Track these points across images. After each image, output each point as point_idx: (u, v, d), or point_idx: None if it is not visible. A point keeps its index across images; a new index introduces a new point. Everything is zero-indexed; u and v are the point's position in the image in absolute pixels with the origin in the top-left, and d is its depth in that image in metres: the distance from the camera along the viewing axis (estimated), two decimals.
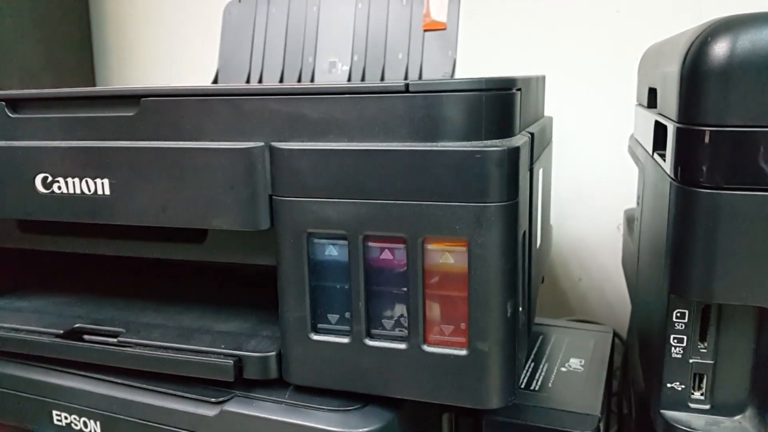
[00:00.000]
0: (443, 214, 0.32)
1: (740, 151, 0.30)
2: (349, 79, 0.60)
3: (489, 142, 0.32)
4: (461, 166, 0.31)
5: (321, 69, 0.62)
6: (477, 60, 0.70)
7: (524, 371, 0.45)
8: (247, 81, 0.63)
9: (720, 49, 0.30)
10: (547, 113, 0.57)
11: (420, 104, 0.32)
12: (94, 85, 0.89)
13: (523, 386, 0.43)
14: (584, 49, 0.68)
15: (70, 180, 0.37)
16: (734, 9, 0.63)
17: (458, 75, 0.58)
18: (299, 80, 0.62)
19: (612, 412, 0.62)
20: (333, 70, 0.62)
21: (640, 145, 0.48)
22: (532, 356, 0.47)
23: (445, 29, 0.58)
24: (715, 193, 0.31)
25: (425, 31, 0.59)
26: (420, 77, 0.58)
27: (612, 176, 0.69)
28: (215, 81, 0.65)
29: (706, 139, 0.31)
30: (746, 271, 0.31)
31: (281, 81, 0.62)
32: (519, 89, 0.35)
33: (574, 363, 0.46)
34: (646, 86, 0.47)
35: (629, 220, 0.59)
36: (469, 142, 0.32)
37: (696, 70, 0.31)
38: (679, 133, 0.32)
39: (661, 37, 0.47)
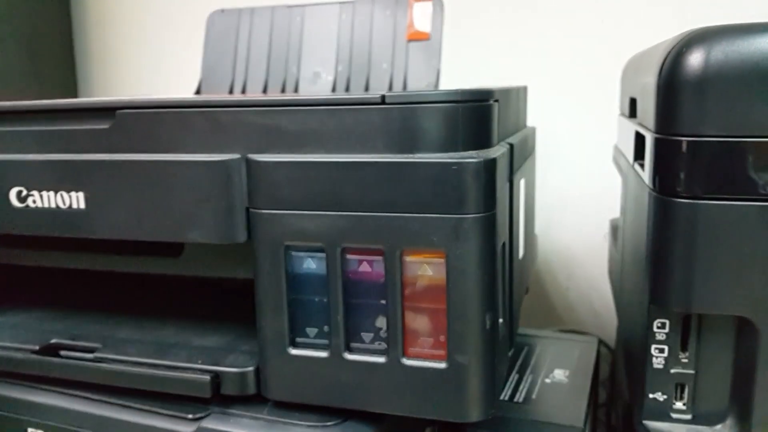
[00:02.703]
0: (421, 225, 0.32)
1: (716, 161, 0.30)
2: (333, 89, 0.60)
3: (466, 154, 0.32)
4: (438, 177, 0.31)
5: (305, 79, 0.62)
6: (461, 70, 0.70)
7: (509, 383, 0.44)
8: (230, 91, 0.63)
9: (694, 60, 0.30)
10: (532, 123, 0.57)
11: (396, 116, 0.32)
12: (76, 93, 0.89)
13: (507, 398, 0.42)
14: (569, 59, 0.68)
15: (45, 194, 0.37)
16: (716, 18, 0.64)
17: (442, 85, 0.58)
18: (283, 90, 0.62)
19: (600, 421, 0.62)
20: (317, 80, 0.62)
21: (623, 154, 0.48)
22: (516, 367, 0.47)
23: (428, 39, 0.59)
24: (693, 203, 0.31)
25: (409, 41, 0.59)
26: (404, 87, 0.58)
27: (598, 185, 0.69)
28: (198, 90, 0.64)
29: (683, 150, 0.31)
30: (725, 281, 0.31)
31: (265, 91, 0.62)
32: (496, 100, 0.35)
33: (559, 374, 0.46)
34: (628, 96, 0.47)
35: (614, 229, 0.59)
36: (446, 154, 0.32)
37: (671, 82, 0.31)
38: (657, 144, 0.32)
39: (645, 47, 0.47)
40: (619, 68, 0.54)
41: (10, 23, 0.77)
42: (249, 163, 0.34)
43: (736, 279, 0.31)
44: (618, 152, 0.53)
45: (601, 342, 0.53)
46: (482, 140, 0.33)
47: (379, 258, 0.33)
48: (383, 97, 0.32)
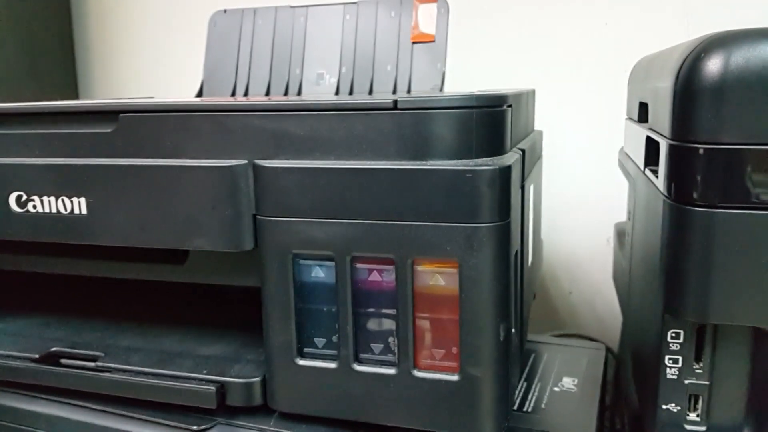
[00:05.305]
0: (433, 235, 0.31)
1: (735, 169, 0.30)
2: (337, 92, 0.60)
3: (480, 161, 0.31)
4: (451, 185, 0.30)
5: (308, 81, 0.61)
6: (466, 73, 0.69)
7: (517, 391, 0.44)
8: (233, 92, 0.62)
9: (714, 65, 0.30)
10: (536, 126, 0.57)
11: (409, 121, 0.31)
12: (76, 94, 0.88)
13: (516, 407, 0.42)
14: (573, 61, 0.68)
15: (45, 199, 0.36)
16: (721, 20, 0.63)
17: (447, 88, 0.57)
18: (286, 92, 0.61)
19: (605, 427, 0.62)
20: (321, 82, 0.61)
21: (631, 159, 0.48)
22: (524, 375, 0.46)
23: (433, 41, 0.58)
24: (710, 212, 0.30)
25: (414, 43, 0.58)
26: (409, 89, 0.57)
27: (601, 189, 0.68)
28: (200, 92, 0.63)
29: (700, 157, 0.30)
30: (741, 291, 0.30)
31: (268, 93, 0.61)
32: (510, 105, 0.34)
33: (567, 382, 0.45)
34: (637, 100, 0.46)
35: (620, 233, 0.58)
36: (459, 161, 0.31)
37: (689, 87, 0.30)
38: (672, 151, 0.32)
39: (649, 50, 0.46)
40: (623, 71, 0.54)
41: (9, 23, 0.76)
42: (256, 168, 0.33)
43: (754, 289, 0.30)
44: (625, 156, 0.52)
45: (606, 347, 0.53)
46: (496, 147, 0.32)
47: (390, 267, 0.32)
48: (395, 102, 0.31)
